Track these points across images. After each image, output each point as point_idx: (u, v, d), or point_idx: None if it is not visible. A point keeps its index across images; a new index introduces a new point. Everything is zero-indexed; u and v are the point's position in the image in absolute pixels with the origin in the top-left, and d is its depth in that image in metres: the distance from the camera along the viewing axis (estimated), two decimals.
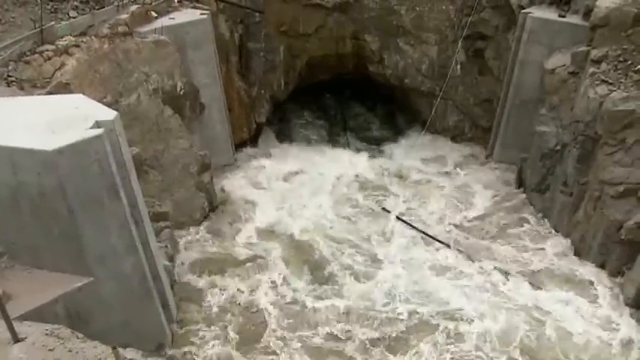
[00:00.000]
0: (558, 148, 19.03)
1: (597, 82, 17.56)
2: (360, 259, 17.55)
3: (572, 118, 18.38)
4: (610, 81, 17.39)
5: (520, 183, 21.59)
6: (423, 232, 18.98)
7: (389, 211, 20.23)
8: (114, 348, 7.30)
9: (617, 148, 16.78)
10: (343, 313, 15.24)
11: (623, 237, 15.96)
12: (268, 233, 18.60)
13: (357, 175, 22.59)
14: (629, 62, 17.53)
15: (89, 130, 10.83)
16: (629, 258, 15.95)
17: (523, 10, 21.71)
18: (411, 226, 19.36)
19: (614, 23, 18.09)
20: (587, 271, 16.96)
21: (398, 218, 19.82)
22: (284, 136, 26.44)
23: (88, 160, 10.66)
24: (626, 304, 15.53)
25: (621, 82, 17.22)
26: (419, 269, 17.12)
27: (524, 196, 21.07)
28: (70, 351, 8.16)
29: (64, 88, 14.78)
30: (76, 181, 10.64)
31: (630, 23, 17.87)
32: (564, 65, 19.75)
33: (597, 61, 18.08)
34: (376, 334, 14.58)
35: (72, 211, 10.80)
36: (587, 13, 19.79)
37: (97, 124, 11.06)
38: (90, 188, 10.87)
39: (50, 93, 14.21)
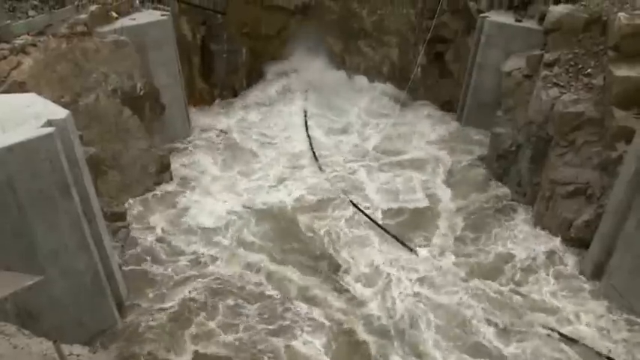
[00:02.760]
0: (513, 149, 19.49)
1: (549, 85, 18.07)
2: None
3: (526, 120, 18.86)
4: (561, 84, 17.92)
5: None
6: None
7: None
8: (55, 342, 7.33)
9: (568, 149, 17.29)
10: None
11: (572, 235, 16.46)
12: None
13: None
14: (580, 66, 18.09)
15: (40, 129, 10.81)
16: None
17: (481, 15, 22.22)
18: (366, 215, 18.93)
19: (565, 28, 18.70)
20: None
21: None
22: None
23: (39, 158, 10.64)
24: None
25: (572, 85, 17.76)
26: None
27: None
28: (15, 347, 8.15)
29: (19, 88, 14.67)
30: (26, 178, 10.60)
31: (581, 28, 18.49)
32: (520, 68, 20.29)
33: (550, 65, 18.62)
34: None
35: (22, 208, 10.75)
36: (542, 18, 20.35)
37: (49, 123, 11.04)
38: (41, 186, 10.84)
39: (5, 92, 14.08)
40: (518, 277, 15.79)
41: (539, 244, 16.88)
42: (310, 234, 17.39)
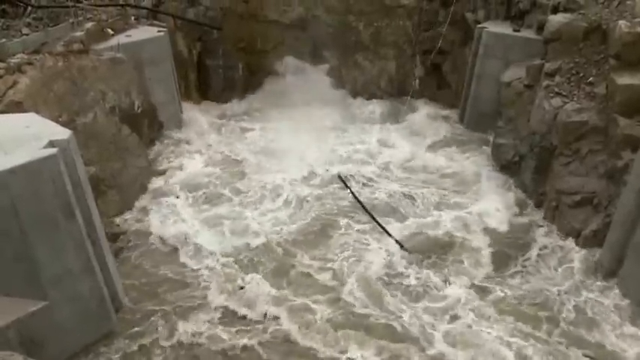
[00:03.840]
0: (516, 159, 19.35)
1: (551, 95, 17.97)
2: None
3: (529, 130, 18.72)
4: (564, 93, 17.82)
5: None
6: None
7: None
8: None
9: (572, 158, 17.14)
10: None
11: (580, 245, 16.27)
12: None
13: None
14: (582, 75, 18.00)
15: (42, 150, 10.51)
16: None
17: (479, 25, 22.22)
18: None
19: (565, 37, 18.62)
20: None
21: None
22: None
23: (42, 180, 10.32)
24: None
25: (574, 94, 17.66)
26: None
27: None
28: None
29: (16, 107, 14.36)
30: (29, 202, 10.28)
31: (581, 37, 18.40)
32: (520, 78, 20.19)
33: (551, 74, 18.52)
34: None
35: (25, 232, 10.41)
36: (540, 28, 20.35)
37: (51, 144, 10.75)
38: (44, 209, 10.51)
39: (2, 112, 13.77)
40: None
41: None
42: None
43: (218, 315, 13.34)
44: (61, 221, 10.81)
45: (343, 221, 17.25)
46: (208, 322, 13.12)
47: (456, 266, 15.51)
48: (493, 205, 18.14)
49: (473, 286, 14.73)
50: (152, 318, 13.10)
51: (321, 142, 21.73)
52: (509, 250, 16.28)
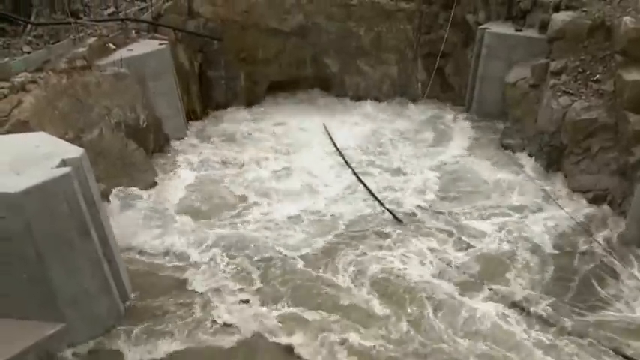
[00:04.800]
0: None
1: (559, 93, 17.92)
2: None
3: (537, 130, 18.66)
4: (571, 91, 17.76)
5: None
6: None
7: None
8: None
9: (583, 156, 17.09)
10: None
11: None
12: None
13: None
14: (588, 72, 17.96)
15: (55, 170, 10.35)
16: None
17: (480, 27, 22.16)
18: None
19: (570, 35, 18.61)
20: None
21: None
22: None
23: (57, 200, 10.17)
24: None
25: (582, 92, 17.61)
26: None
27: None
28: None
29: (23, 127, 14.19)
30: (44, 223, 10.12)
31: (585, 35, 18.41)
32: (524, 78, 20.17)
33: (557, 73, 18.48)
34: None
35: (41, 254, 10.25)
36: (543, 27, 20.36)
37: (64, 163, 10.59)
38: (59, 229, 10.35)
39: (9, 132, 13.62)
40: None
41: None
42: None
43: None
44: (77, 241, 10.65)
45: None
46: None
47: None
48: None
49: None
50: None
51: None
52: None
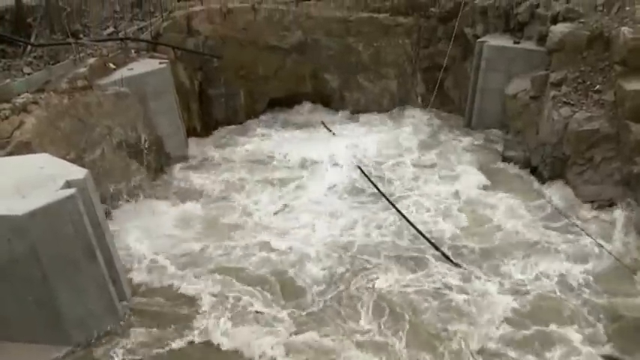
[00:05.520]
0: (527, 170, 19.20)
1: (560, 105, 17.94)
2: None
3: (539, 142, 18.65)
4: (572, 102, 17.79)
5: None
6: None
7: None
8: None
9: (586, 167, 17.05)
10: None
11: None
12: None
13: None
14: (588, 83, 18.01)
15: (60, 191, 10.31)
16: None
17: (479, 39, 22.24)
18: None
19: (569, 47, 18.71)
20: None
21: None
22: None
23: (62, 222, 10.12)
24: None
25: (583, 103, 17.63)
26: None
27: None
28: None
29: (25, 148, 14.15)
30: (49, 245, 10.06)
31: (584, 46, 18.52)
32: (525, 90, 20.22)
33: (557, 84, 18.53)
34: None
35: (46, 276, 10.18)
36: (541, 39, 20.47)
37: (68, 184, 10.55)
38: (65, 251, 10.29)
39: (11, 153, 13.58)
40: None
41: None
42: None
43: None
44: (83, 263, 10.59)
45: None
46: None
47: None
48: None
49: None
50: None
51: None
52: None
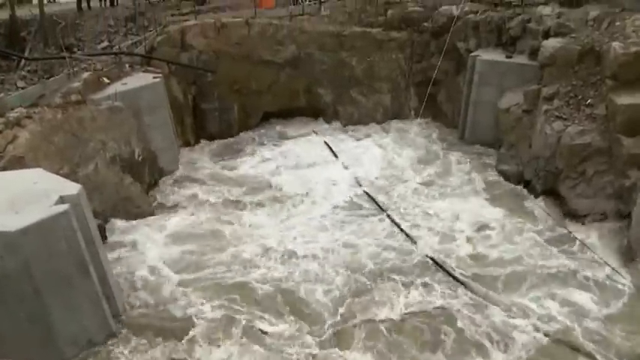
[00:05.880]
0: (521, 185, 19.28)
1: (552, 119, 18.04)
2: None
3: (532, 155, 18.74)
4: (564, 116, 17.89)
5: None
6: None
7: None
8: None
9: (579, 180, 17.13)
10: None
11: None
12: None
13: None
14: (580, 97, 18.13)
15: (54, 207, 10.27)
16: None
17: (472, 54, 22.41)
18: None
19: (560, 61, 18.87)
20: None
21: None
22: None
23: (55, 238, 10.08)
24: None
25: (575, 117, 17.74)
26: None
27: None
28: None
29: (18, 163, 14.10)
30: (42, 261, 10.00)
31: (576, 60, 18.68)
32: (517, 104, 20.33)
33: (549, 98, 18.65)
34: None
35: (39, 292, 10.11)
36: (533, 53, 20.66)
37: (62, 200, 10.52)
38: (58, 268, 10.23)
39: (4, 168, 13.53)
40: None
41: None
42: None
43: None
44: (76, 279, 10.54)
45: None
46: None
47: None
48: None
49: None
50: None
51: None
52: None
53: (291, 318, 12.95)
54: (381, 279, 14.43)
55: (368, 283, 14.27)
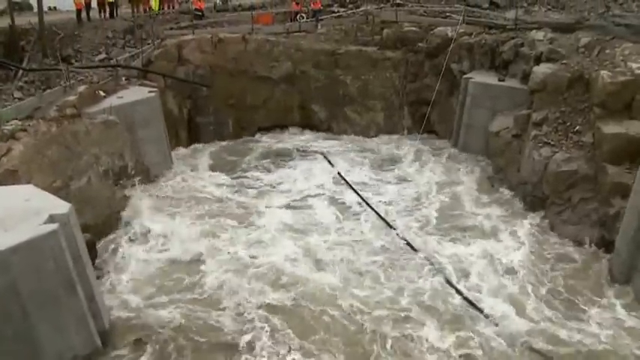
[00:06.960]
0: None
1: (540, 145, 18.28)
2: None
3: (520, 180, 18.97)
4: (552, 142, 18.12)
5: None
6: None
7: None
8: None
9: (565, 207, 17.33)
10: None
11: None
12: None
13: None
14: (568, 124, 18.36)
15: (43, 226, 10.45)
16: None
17: (465, 76, 22.67)
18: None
19: (550, 87, 19.12)
20: None
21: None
22: None
23: (43, 257, 10.24)
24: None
25: (562, 144, 17.96)
26: None
27: None
28: None
29: (11, 176, 14.27)
30: (30, 280, 10.16)
31: (565, 87, 18.91)
32: (507, 128, 20.56)
33: (538, 124, 18.89)
34: None
35: (26, 311, 10.26)
36: (525, 77, 20.89)
37: (51, 219, 10.69)
38: (45, 286, 10.39)
39: None
40: None
41: None
42: None
43: None
44: (63, 297, 10.70)
45: None
46: None
47: None
48: None
49: None
50: None
51: None
52: None
53: None
54: None
55: None
